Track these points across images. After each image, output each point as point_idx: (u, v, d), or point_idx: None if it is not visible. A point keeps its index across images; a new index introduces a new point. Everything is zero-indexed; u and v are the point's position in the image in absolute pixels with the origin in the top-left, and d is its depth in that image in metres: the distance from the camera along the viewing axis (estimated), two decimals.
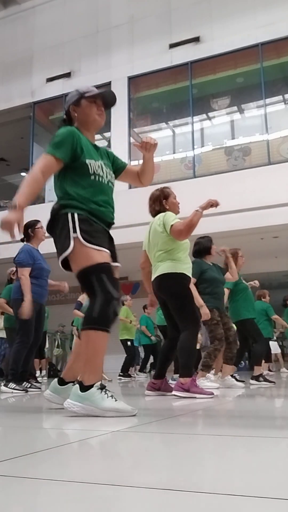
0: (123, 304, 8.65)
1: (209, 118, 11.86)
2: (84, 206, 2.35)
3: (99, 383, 2.14)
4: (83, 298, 7.76)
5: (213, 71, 11.46)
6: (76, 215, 2.32)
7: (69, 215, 2.32)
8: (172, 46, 11.18)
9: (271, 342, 9.47)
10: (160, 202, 3.78)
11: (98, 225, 2.38)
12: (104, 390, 2.13)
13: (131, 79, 11.67)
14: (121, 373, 8.54)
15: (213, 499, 0.81)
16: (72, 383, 2.53)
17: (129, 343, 8.71)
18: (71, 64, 12.20)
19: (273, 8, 10.32)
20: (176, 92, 11.95)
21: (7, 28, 13.21)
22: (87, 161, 2.39)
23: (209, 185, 9.74)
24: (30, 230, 4.72)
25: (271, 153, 10.08)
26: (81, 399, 2.09)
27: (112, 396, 2.13)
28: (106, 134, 11.78)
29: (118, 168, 2.66)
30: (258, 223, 9.27)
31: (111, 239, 2.49)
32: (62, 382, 2.57)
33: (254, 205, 9.20)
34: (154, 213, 3.81)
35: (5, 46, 13.13)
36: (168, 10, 11.43)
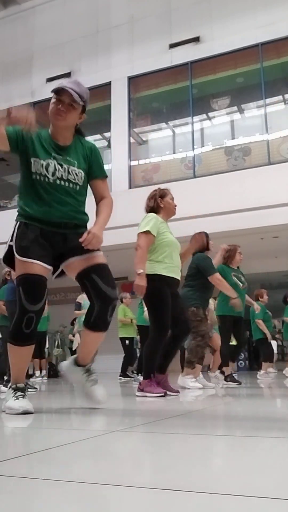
0: (121, 302, 8.62)
1: (209, 118, 11.86)
2: (24, 211, 2.41)
3: (14, 385, 2.35)
4: (82, 298, 7.75)
5: (213, 71, 11.45)
6: (17, 224, 2.41)
7: (17, 224, 2.42)
8: (172, 46, 11.18)
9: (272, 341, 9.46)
10: (155, 200, 3.78)
11: (36, 230, 2.36)
12: (15, 390, 2.31)
13: (131, 79, 11.66)
14: (121, 374, 8.52)
15: (213, 499, 0.81)
16: (82, 367, 2.52)
17: (127, 341, 8.68)
18: (71, 64, 12.20)
19: (273, 8, 10.31)
20: (176, 92, 11.94)
21: (7, 28, 13.20)
22: (31, 159, 2.39)
23: (209, 185, 9.74)
24: None
25: (271, 153, 10.07)
26: (5, 398, 2.38)
27: (19, 395, 2.28)
28: (106, 134, 11.78)
29: (90, 174, 2.57)
30: (258, 223, 9.26)
31: (67, 238, 2.42)
32: (77, 363, 2.58)
33: (254, 205, 9.19)
34: (149, 210, 3.81)
35: (5, 46, 13.11)
36: (168, 10, 11.42)
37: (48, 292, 2.40)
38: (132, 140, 11.53)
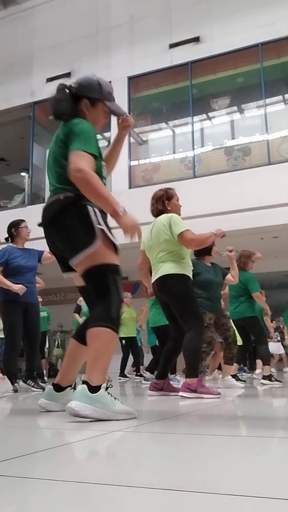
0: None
1: (209, 118, 11.86)
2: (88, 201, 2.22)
3: (105, 384, 2.02)
4: (82, 301, 7.74)
5: (213, 71, 11.45)
6: (96, 209, 2.17)
7: (89, 207, 2.16)
8: (172, 46, 11.18)
9: (274, 344, 9.48)
10: (163, 203, 3.75)
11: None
12: (109, 392, 2.03)
13: (131, 79, 11.66)
14: (120, 374, 8.53)
15: (213, 499, 0.81)
16: (70, 387, 2.42)
17: (123, 341, 8.68)
18: (71, 64, 12.19)
19: (273, 8, 10.31)
20: (176, 92, 11.94)
21: (7, 28, 13.20)
22: (102, 163, 2.33)
23: (209, 185, 9.74)
24: (13, 229, 4.73)
25: (271, 153, 10.07)
26: (93, 401, 1.92)
27: (115, 397, 2.05)
28: (106, 134, 11.78)
29: None
30: (258, 223, 9.26)
31: None
32: (58, 388, 2.40)
33: (254, 205, 9.19)
34: (156, 212, 3.78)
35: (5, 46, 13.11)
36: (168, 10, 11.42)
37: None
38: (132, 140, 11.53)
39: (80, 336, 2.36)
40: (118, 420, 1.94)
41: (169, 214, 3.67)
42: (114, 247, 2.19)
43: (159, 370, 3.88)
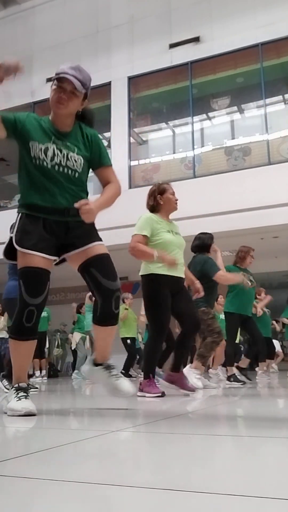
0: (123, 302, 8.63)
1: (209, 118, 11.86)
2: (25, 201, 2.36)
3: (17, 384, 2.28)
4: (87, 299, 7.75)
5: (213, 71, 11.45)
6: (18, 215, 2.38)
7: (18, 215, 2.39)
8: (172, 46, 11.17)
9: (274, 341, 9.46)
10: (155, 198, 3.71)
11: (38, 220, 2.30)
12: (18, 391, 2.25)
13: (131, 79, 11.66)
14: (122, 371, 8.53)
15: (213, 499, 0.81)
16: (101, 366, 2.50)
17: (128, 341, 8.69)
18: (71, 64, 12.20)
19: (273, 8, 10.31)
20: (176, 92, 11.94)
21: (7, 28, 13.20)
22: (30, 143, 2.33)
23: (209, 185, 9.74)
24: None
25: (271, 153, 10.07)
26: (7, 398, 2.32)
27: (22, 396, 2.22)
28: (106, 134, 11.78)
29: (95, 163, 2.50)
30: (258, 223, 9.26)
31: (69, 226, 2.35)
32: (96, 364, 2.55)
33: (254, 205, 9.19)
34: (149, 208, 3.76)
35: (5, 46, 13.10)
36: (168, 10, 11.42)
37: (48, 292, 2.36)
38: (132, 140, 11.53)
39: (98, 319, 2.42)
40: (4, 413, 2.23)
41: (143, 214, 3.66)
42: (30, 249, 2.27)
43: (172, 363, 3.87)
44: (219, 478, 0.98)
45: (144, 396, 3.38)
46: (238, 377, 5.08)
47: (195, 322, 3.69)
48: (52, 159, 2.31)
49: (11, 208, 12.30)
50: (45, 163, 2.30)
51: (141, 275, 3.60)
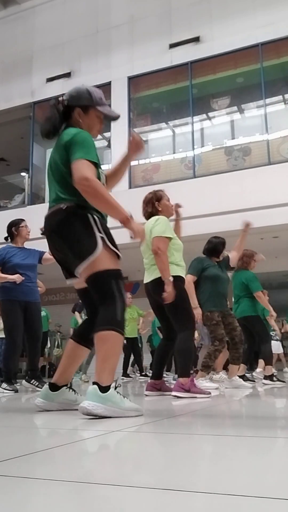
0: None
1: (209, 118, 11.85)
2: (96, 209, 2.33)
3: (113, 383, 2.14)
4: None
5: (213, 71, 11.45)
6: (96, 217, 2.29)
7: (89, 216, 2.27)
8: (172, 46, 11.17)
9: (274, 342, 9.47)
10: (153, 204, 3.80)
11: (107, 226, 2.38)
12: (117, 391, 2.14)
13: (131, 79, 11.66)
14: (123, 374, 8.53)
15: (213, 499, 0.81)
16: (66, 387, 2.47)
17: (124, 341, 8.68)
18: (71, 64, 12.20)
19: (273, 8, 10.31)
20: (176, 92, 11.94)
21: (7, 28, 13.20)
22: (100, 170, 2.36)
23: (209, 185, 9.74)
24: (13, 228, 4.73)
25: (271, 153, 10.07)
26: (104, 400, 2.05)
27: (124, 396, 2.15)
28: (106, 134, 11.78)
29: None
30: (258, 223, 9.21)
31: None
32: (54, 388, 2.45)
33: (254, 205, 9.18)
34: (147, 215, 3.84)
35: (5, 46, 13.11)
36: (168, 10, 11.42)
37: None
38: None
39: (79, 336, 2.41)
40: (128, 416, 2.06)
41: (157, 217, 3.71)
42: (115, 253, 2.29)
43: (154, 370, 3.90)
44: (220, 478, 0.98)
45: (195, 397, 3.30)
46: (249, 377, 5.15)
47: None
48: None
49: (11, 208, 12.30)
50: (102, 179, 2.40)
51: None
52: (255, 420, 2.10)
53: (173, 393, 3.44)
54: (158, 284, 3.56)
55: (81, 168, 2.20)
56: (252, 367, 8.57)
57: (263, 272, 11.82)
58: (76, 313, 8.49)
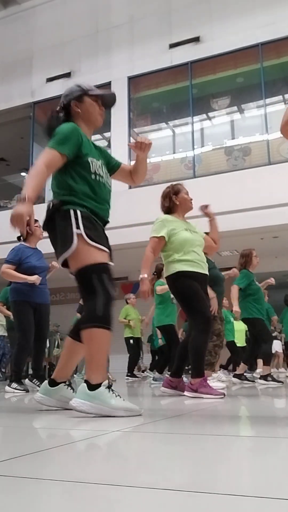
0: (127, 303, 8.61)
1: (209, 118, 11.86)
2: (86, 203, 2.32)
3: (106, 382, 2.12)
4: None
5: (213, 71, 11.45)
6: (79, 212, 2.28)
7: (72, 212, 2.27)
8: (172, 46, 11.18)
9: (275, 341, 9.47)
10: (170, 198, 3.72)
11: (98, 224, 2.37)
12: (110, 389, 2.12)
13: (131, 79, 11.66)
14: (128, 374, 8.51)
15: (213, 499, 0.81)
16: (64, 383, 2.49)
17: (131, 341, 8.67)
18: (71, 64, 12.20)
19: (273, 8, 10.31)
20: (176, 92, 11.94)
21: (7, 28, 13.21)
22: (89, 159, 2.37)
23: (209, 185, 9.74)
24: (28, 228, 4.69)
25: (271, 153, 10.07)
26: (90, 398, 2.06)
27: (119, 395, 2.12)
28: (106, 134, 11.78)
29: (113, 166, 2.65)
30: (258, 223, 9.27)
31: (107, 238, 2.47)
32: (53, 383, 2.48)
33: (254, 205, 9.19)
34: (165, 209, 3.76)
35: (5, 46, 13.11)
36: (168, 10, 11.42)
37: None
38: (132, 140, 11.53)
39: (75, 333, 2.42)
40: (116, 416, 2.03)
41: (160, 216, 3.68)
42: (101, 246, 2.28)
43: (173, 368, 3.85)
44: (221, 478, 0.98)
45: (201, 398, 3.25)
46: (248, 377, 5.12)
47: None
48: (102, 175, 2.44)
49: (11, 208, 12.28)
50: (101, 179, 2.42)
51: (168, 276, 3.57)
52: (255, 420, 2.10)
53: (185, 393, 3.44)
54: (168, 281, 3.59)
55: (40, 156, 2.26)
56: (252, 367, 8.58)
57: (263, 272, 11.82)
58: (77, 314, 8.49)
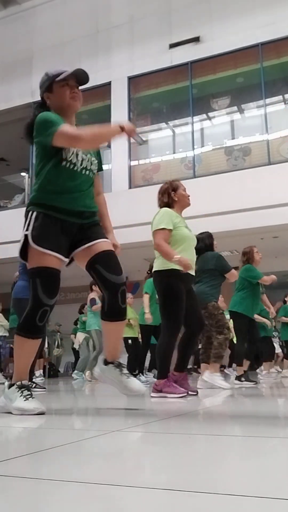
0: None
1: (209, 118, 11.85)
2: (43, 200, 2.30)
3: (19, 382, 2.28)
4: (94, 294, 7.69)
5: (213, 71, 11.45)
6: (34, 213, 2.30)
7: (30, 213, 2.32)
8: (172, 46, 11.17)
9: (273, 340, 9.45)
10: (169, 195, 3.69)
11: (57, 222, 2.30)
12: (22, 389, 2.25)
13: (131, 79, 11.65)
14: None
15: (213, 499, 0.81)
16: (112, 365, 2.48)
17: (129, 341, 8.66)
18: (71, 64, 12.12)
19: (273, 8, 10.30)
20: (176, 92, 11.94)
21: (7, 28, 13.20)
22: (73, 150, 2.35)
23: (209, 185, 9.73)
24: None
25: (271, 153, 10.07)
26: (5, 395, 2.30)
27: (28, 395, 2.23)
28: None
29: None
30: (258, 223, 9.26)
31: (82, 228, 2.38)
32: (105, 362, 2.52)
33: (254, 205, 9.18)
34: (163, 205, 3.72)
35: (5, 46, 13.11)
36: (168, 10, 11.41)
37: None
38: (132, 140, 11.52)
39: (103, 314, 2.44)
40: (12, 413, 2.21)
41: (161, 209, 3.65)
42: (42, 250, 2.25)
43: (176, 362, 3.81)
44: (221, 478, 0.98)
45: (165, 397, 3.28)
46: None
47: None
48: (81, 163, 2.38)
49: (11, 208, 12.30)
50: (75, 167, 2.35)
51: (157, 271, 3.53)
52: (255, 420, 2.10)
53: (151, 393, 3.45)
54: (154, 277, 3.59)
55: (67, 131, 2.24)
56: (252, 367, 8.57)
57: (263, 272, 11.82)
58: (94, 306, 8.48)
